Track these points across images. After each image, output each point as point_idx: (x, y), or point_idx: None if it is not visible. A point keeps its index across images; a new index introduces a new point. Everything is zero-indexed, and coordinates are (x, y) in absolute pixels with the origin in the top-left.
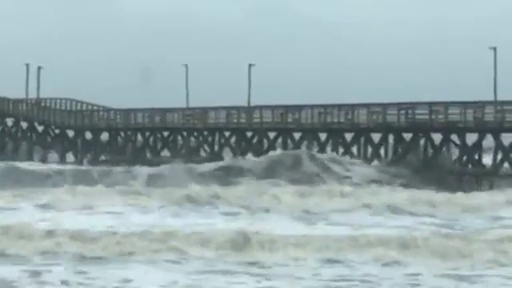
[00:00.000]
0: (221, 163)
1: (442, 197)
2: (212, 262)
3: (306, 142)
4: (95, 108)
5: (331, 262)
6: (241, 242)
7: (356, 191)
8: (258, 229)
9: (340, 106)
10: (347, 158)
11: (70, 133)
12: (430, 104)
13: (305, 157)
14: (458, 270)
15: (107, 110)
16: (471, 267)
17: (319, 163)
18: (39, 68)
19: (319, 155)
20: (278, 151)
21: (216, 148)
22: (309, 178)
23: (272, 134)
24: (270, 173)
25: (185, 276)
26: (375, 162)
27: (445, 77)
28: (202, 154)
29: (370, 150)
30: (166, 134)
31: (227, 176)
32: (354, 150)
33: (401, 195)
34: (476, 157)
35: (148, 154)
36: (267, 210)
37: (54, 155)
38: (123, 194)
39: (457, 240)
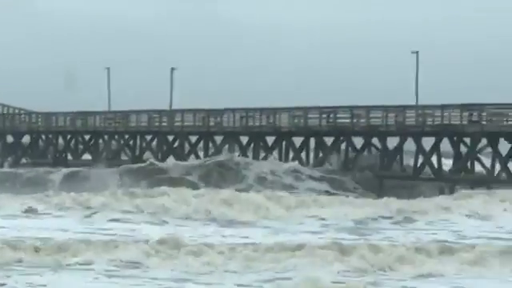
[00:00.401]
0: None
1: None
2: None
3: (227, 146)
4: (16, 111)
5: None
6: None
7: None
8: None
9: (262, 110)
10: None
11: None
12: (352, 108)
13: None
14: None
15: (29, 113)
16: None
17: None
18: None
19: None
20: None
21: (137, 151)
22: None
23: (194, 138)
24: None
25: None
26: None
27: (366, 80)
28: (124, 157)
29: (291, 153)
30: (87, 137)
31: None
32: (275, 153)
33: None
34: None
35: (69, 157)
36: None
37: None
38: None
39: None
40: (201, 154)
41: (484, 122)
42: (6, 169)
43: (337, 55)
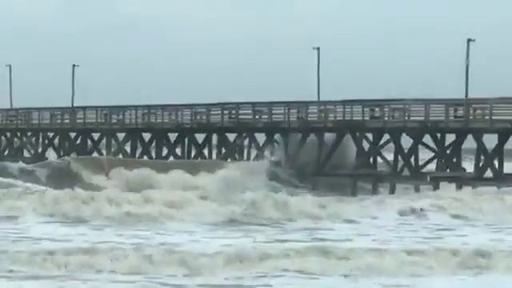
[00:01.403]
0: None
1: None
2: None
3: (130, 143)
4: None
5: None
6: None
7: None
8: None
9: (164, 107)
10: None
11: None
12: (254, 104)
13: None
14: None
15: None
16: None
17: None
18: None
19: None
20: None
21: (40, 149)
22: None
23: (96, 135)
24: None
25: None
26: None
27: (269, 77)
28: (26, 154)
29: (193, 150)
30: None
31: None
32: (178, 150)
33: None
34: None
35: None
36: None
37: None
38: None
39: None
40: (104, 151)
41: (386, 118)
42: None
43: (237, 53)
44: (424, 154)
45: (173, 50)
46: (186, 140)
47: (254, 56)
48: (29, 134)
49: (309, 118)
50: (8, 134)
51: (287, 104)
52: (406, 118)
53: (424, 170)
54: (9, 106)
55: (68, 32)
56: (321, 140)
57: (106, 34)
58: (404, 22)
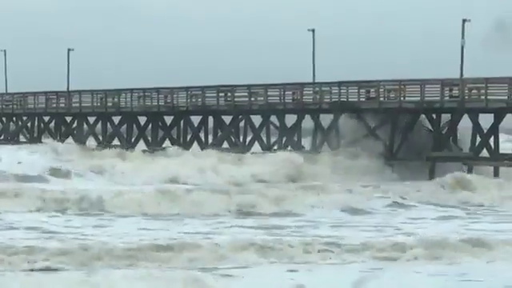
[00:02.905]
0: None
1: None
2: None
3: (125, 126)
4: None
5: None
6: None
7: None
8: None
9: (159, 90)
10: None
11: None
12: (249, 86)
13: None
14: None
15: None
16: None
17: None
18: None
19: None
20: None
21: (35, 133)
22: None
23: (92, 119)
24: None
25: None
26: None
27: (265, 58)
28: (22, 138)
29: (189, 132)
30: None
31: None
32: (174, 132)
33: None
34: (295, 138)
35: None
36: None
37: None
38: None
39: None
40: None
41: (382, 99)
42: None
43: (232, 32)
44: None
45: (166, 29)
46: (182, 123)
47: (250, 34)
48: (24, 118)
49: (304, 100)
50: (4, 119)
51: (283, 86)
52: (402, 98)
53: None
54: (4, 91)
55: (62, 15)
56: (316, 122)
57: (99, 15)
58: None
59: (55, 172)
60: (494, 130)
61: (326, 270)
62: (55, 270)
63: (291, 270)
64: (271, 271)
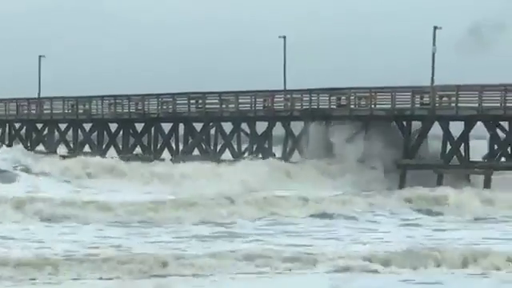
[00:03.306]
0: None
1: None
2: None
3: (96, 133)
4: None
5: None
6: None
7: None
8: None
9: (130, 97)
10: None
11: None
12: (221, 93)
13: None
14: None
15: None
16: None
17: None
18: None
19: None
20: None
21: (6, 140)
22: None
23: (63, 126)
24: None
25: None
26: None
27: (235, 64)
28: None
29: (160, 139)
30: None
31: None
32: (145, 139)
33: None
34: (266, 145)
35: None
36: None
37: None
38: None
39: None
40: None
41: (352, 106)
42: None
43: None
44: None
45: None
46: (153, 130)
47: (224, 36)
48: None
49: (275, 107)
50: None
51: (254, 93)
52: (373, 106)
53: None
54: None
55: (34, 21)
56: (287, 129)
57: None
58: (372, 9)
59: None
60: (465, 137)
61: None
62: None
63: None
64: None
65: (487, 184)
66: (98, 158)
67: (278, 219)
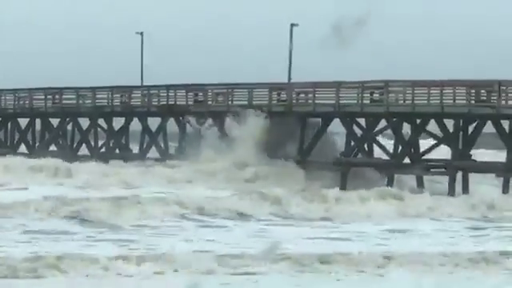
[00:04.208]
0: None
1: None
2: None
3: None
4: None
5: None
6: None
7: None
8: None
9: None
10: None
11: None
12: (78, 89)
13: None
14: None
15: None
16: None
17: None
18: None
19: None
20: None
21: None
22: None
23: None
24: None
25: None
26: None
27: (95, 61)
28: None
29: (17, 135)
30: None
31: None
32: (1, 135)
33: None
34: (123, 141)
35: None
36: None
37: None
38: None
39: None
40: None
41: (210, 102)
42: None
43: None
44: None
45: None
46: (9, 125)
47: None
48: None
49: (132, 103)
50: None
51: (111, 89)
52: (229, 102)
53: None
54: None
55: None
56: (144, 125)
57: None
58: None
59: None
60: (321, 134)
61: None
62: None
63: None
64: None
65: (344, 179)
66: None
67: None
